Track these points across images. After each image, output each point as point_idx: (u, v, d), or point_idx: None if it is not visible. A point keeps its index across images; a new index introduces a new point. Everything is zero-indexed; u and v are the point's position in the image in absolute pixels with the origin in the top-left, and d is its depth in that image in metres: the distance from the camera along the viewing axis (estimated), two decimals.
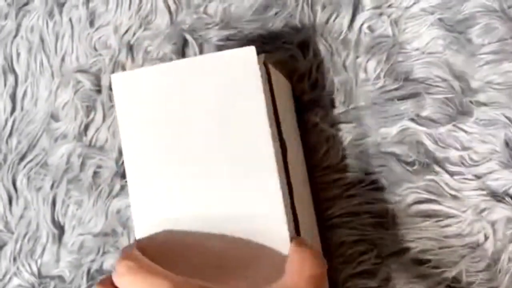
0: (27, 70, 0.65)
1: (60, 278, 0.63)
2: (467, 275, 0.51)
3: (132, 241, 0.61)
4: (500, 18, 0.52)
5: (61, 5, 0.64)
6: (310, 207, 0.54)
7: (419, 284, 0.52)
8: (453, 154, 0.52)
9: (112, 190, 0.61)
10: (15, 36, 0.66)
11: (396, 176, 0.53)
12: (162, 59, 0.60)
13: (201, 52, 0.59)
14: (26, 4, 0.66)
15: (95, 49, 0.63)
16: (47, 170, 0.64)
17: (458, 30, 0.53)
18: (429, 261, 0.52)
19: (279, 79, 0.50)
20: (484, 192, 0.51)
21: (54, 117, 0.64)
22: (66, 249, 0.63)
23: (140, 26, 0.62)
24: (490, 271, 0.51)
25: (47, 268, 0.63)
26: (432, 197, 0.52)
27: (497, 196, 0.51)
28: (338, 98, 0.55)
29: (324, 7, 0.56)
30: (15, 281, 0.63)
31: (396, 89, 0.54)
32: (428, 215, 0.52)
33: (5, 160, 0.65)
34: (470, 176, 0.52)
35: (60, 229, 0.63)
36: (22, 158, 0.65)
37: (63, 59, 0.64)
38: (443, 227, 0.52)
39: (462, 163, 0.52)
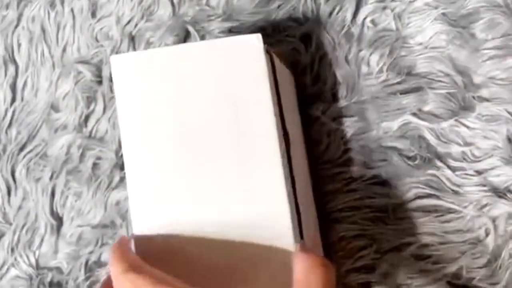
0: (28, 60, 0.66)
1: (58, 269, 0.63)
2: (467, 271, 0.52)
3: (130, 233, 0.61)
4: (504, 13, 0.52)
5: None
6: (311, 201, 0.54)
7: (419, 279, 0.52)
8: (455, 150, 0.52)
9: (112, 182, 0.62)
10: (16, 26, 0.66)
11: (397, 170, 0.53)
12: None
13: None
14: None
15: (97, 40, 0.63)
16: (47, 161, 0.64)
17: (462, 25, 0.53)
18: (429, 256, 0.52)
19: (282, 70, 0.50)
20: (486, 188, 0.51)
21: (54, 107, 0.64)
22: (65, 240, 0.63)
23: (142, 17, 0.62)
24: (491, 267, 0.51)
25: (45, 259, 0.63)
26: (433, 192, 0.52)
27: (498, 192, 0.51)
28: (340, 92, 0.55)
29: (327, 0, 0.56)
30: (13, 272, 0.63)
31: (398, 83, 0.54)
32: (429, 210, 0.53)
33: (4, 150, 0.65)
34: (471, 172, 0.52)
35: (59, 220, 0.63)
36: (21, 149, 0.65)
37: (64, 50, 0.64)
38: (443, 222, 0.52)
39: (464, 159, 0.52)
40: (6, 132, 0.65)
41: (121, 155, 0.62)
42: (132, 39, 0.62)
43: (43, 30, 0.65)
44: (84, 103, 0.63)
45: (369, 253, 0.54)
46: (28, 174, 0.65)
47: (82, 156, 0.63)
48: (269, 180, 0.41)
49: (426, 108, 0.53)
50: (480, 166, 0.52)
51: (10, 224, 0.64)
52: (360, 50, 0.55)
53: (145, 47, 0.62)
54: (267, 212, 0.41)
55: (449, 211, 0.52)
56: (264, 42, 0.43)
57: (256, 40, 0.42)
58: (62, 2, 0.65)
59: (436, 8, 0.53)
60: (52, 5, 0.65)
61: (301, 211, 0.45)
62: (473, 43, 0.52)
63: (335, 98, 0.56)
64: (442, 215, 0.52)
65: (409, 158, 0.53)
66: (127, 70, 0.44)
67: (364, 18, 0.55)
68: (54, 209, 0.64)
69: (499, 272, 0.51)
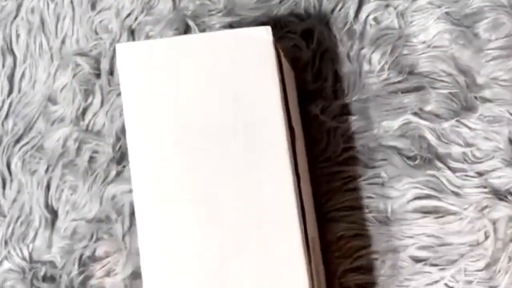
0: (26, 52, 0.65)
1: (51, 263, 0.62)
2: (466, 274, 0.51)
3: (125, 228, 0.60)
4: (508, 13, 0.52)
5: None
6: (311, 199, 0.54)
7: (416, 281, 0.52)
8: (456, 150, 0.52)
9: (108, 176, 0.61)
10: (15, 17, 0.66)
11: (397, 170, 0.53)
12: None
13: None
14: None
15: (96, 33, 0.63)
16: (43, 153, 0.64)
17: (465, 24, 0.53)
18: (427, 258, 0.52)
19: (286, 66, 0.50)
20: (486, 190, 0.51)
21: (51, 100, 0.64)
22: (59, 234, 0.63)
23: (142, 11, 0.62)
24: (489, 270, 0.51)
25: (38, 253, 0.63)
26: (433, 193, 0.52)
27: (499, 194, 0.51)
28: (341, 90, 0.55)
29: None
30: (6, 265, 0.63)
31: (400, 82, 0.54)
32: (428, 211, 0.52)
33: (0, 142, 0.65)
34: (472, 173, 0.52)
35: (54, 214, 0.63)
36: (17, 141, 0.64)
37: (63, 42, 0.64)
38: (443, 224, 0.52)
39: (465, 160, 0.52)
40: (3, 124, 0.65)
41: (118, 149, 0.61)
42: (131, 32, 0.62)
43: (42, 22, 0.65)
44: (81, 96, 0.63)
45: (367, 254, 0.54)
46: (23, 166, 0.64)
47: (78, 149, 0.63)
48: (277, 177, 0.41)
49: (428, 107, 0.53)
50: (481, 167, 0.52)
51: (4, 216, 0.64)
52: (362, 48, 0.55)
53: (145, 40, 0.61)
54: (274, 210, 0.41)
55: (449, 212, 0.52)
56: (274, 41, 0.43)
57: (265, 33, 0.42)
58: None
59: (439, 7, 0.53)
60: None
61: (306, 209, 0.45)
62: (476, 43, 0.52)
63: (335, 95, 0.55)
64: (441, 217, 0.52)
65: (409, 158, 0.53)
66: (132, 59, 0.43)
67: (367, 16, 0.55)
68: (49, 202, 0.63)
69: (498, 276, 0.51)
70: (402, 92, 0.53)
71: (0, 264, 0.64)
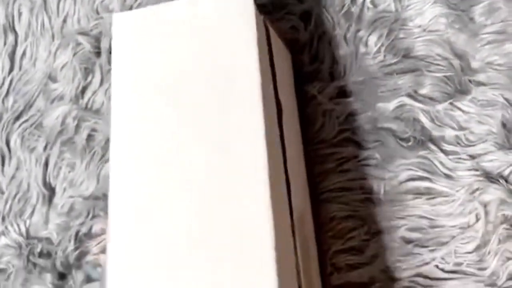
0: (28, 30, 0.67)
1: (48, 240, 0.64)
2: (456, 256, 0.52)
3: None
4: None
5: None
6: (303, 179, 0.55)
7: (407, 262, 0.53)
8: (449, 133, 0.53)
9: (105, 154, 0.62)
10: None
11: (390, 152, 0.54)
12: None
13: None
14: None
15: (97, 12, 0.64)
16: (42, 131, 0.65)
17: (462, 8, 0.54)
18: (418, 239, 0.53)
19: (279, 45, 0.51)
20: (478, 173, 0.52)
21: (52, 78, 0.65)
22: (56, 211, 0.64)
23: None
24: (479, 252, 0.52)
25: (35, 229, 0.64)
26: (426, 174, 0.53)
27: (491, 178, 0.52)
28: (338, 71, 0.56)
29: None
30: (3, 240, 0.64)
31: (395, 64, 0.54)
32: (420, 192, 0.53)
33: (0, 119, 0.66)
34: (465, 156, 0.53)
35: (51, 190, 0.64)
36: (17, 118, 0.66)
37: (64, 21, 0.66)
38: (434, 205, 0.53)
39: (458, 143, 0.53)
40: (3, 101, 0.67)
41: None
42: None
43: (44, 1, 0.66)
44: (81, 74, 0.64)
45: (359, 234, 0.55)
46: (22, 143, 0.66)
47: (77, 127, 0.64)
48: (250, 147, 0.41)
49: (422, 91, 0.54)
50: (474, 150, 0.52)
51: (3, 193, 0.65)
52: (358, 30, 0.56)
53: None
54: (246, 185, 0.41)
55: (441, 194, 0.53)
56: (264, 19, 0.44)
57: (248, 2, 0.43)
58: None
59: None
60: None
61: (294, 185, 0.46)
62: (472, 27, 0.53)
63: (332, 77, 0.56)
64: (433, 198, 0.53)
65: (403, 140, 0.54)
66: (126, 27, 0.45)
67: None
68: (47, 179, 0.64)
69: (488, 258, 0.51)
70: (397, 73, 0.54)
71: None
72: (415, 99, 0.54)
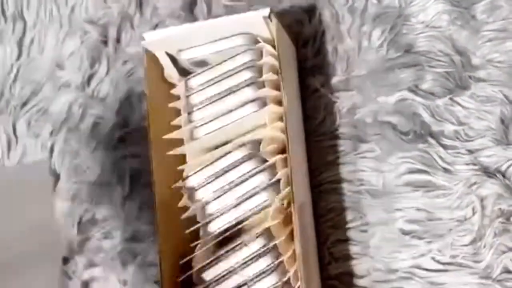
0: (36, 18, 0.68)
1: None
2: (452, 248, 0.54)
3: (125, 193, 0.63)
4: None
5: None
6: (305, 170, 0.56)
7: (404, 253, 0.55)
8: (449, 128, 0.55)
9: (110, 142, 0.64)
10: None
11: (390, 145, 0.56)
12: (170, 15, 0.62)
13: (209, 10, 0.61)
14: None
15: (105, 2, 0.66)
16: (48, 117, 0.67)
17: (464, 5, 0.55)
18: (415, 231, 0.54)
19: (284, 38, 0.52)
20: (476, 167, 0.54)
21: (59, 65, 0.67)
22: (60, 197, 0.65)
23: None
24: (475, 245, 0.53)
25: None
26: (425, 168, 0.55)
27: (488, 172, 0.53)
28: (340, 65, 0.58)
29: None
30: None
31: (397, 58, 0.56)
32: (418, 185, 0.55)
33: (7, 105, 0.68)
34: (463, 151, 0.54)
35: (56, 177, 0.66)
36: (24, 104, 0.67)
37: (72, 10, 0.67)
38: (432, 198, 0.54)
39: (457, 138, 0.54)
40: (10, 87, 0.68)
41: (122, 116, 0.64)
42: (139, 2, 0.64)
43: None
44: (88, 62, 0.66)
45: (357, 226, 0.56)
46: (28, 129, 0.67)
47: (82, 115, 0.65)
48: None
49: (423, 85, 0.55)
50: (472, 145, 0.54)
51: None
52: (362, 25, 0.57)
53: (152, 11, 0.64)
54: None
55: (439, 187, 0.54)
56: (270, 12, 0.47)
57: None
58: None
59: None
60: None
61: (296, 175, 0.47)
62: (473, 24, 0.55)
63: (335, 71, 0.58)
64: (431, 191, 0.54)
65: (402, 133, 0.55)
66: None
67: None
68: (52, 165, 0.66)
69: (483, 251, 0.53)
70: (398, 68, 0.56)
71: None
72: (416, 94, 0.55)
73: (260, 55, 0.51)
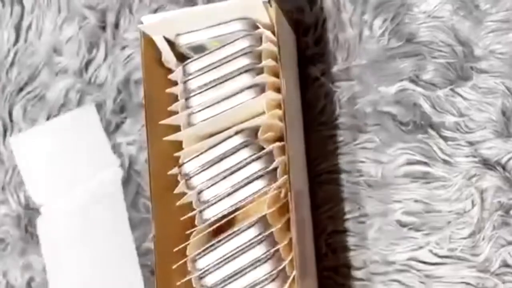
0: (34, 3, 0.68)
1: None
2: (450, 241, 0.54)
3: (123, 177, 0.63)
4: None
5: None
6: (303, 159, 0.56)
7: (402, 246, 0.55)
8: (449, 120, 0.54)
9: (109, 127, 0.64)
10: None
11: (389, 136, 0.56)
12: (170, 0, 0.62)
13: None
14: None
15: None
16: (44, 103, 0.66)
17: None
18: (413, 223, 0.54)
19: (283, 23, 0.52)
20: (476, 159, 0.54)
21: (56, 51, 0.67)
22: None
23: None
24: (474, 238, 0.53)
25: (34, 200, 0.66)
26: (424, 159, 0.55)
27: (488, 165, 0.53)
28: (341, 54, 0.58)
29: None
30: (2, 209, 0.66)
31: (399, 48, 0.56)
32: (417, 176, 0.55)
33: (3, 90, 0.68)
34: (463, 143, 0.54)
35: None
36: (21, 89, 0.67)
37: None
38: (431, 190, 0.54)
39: (457, 129, 0.54)
40: (7, 72, 0.68)
41: (119, 102, 0.64)
42: None
43: None
44: (86, 48, 0.65)
45: (355, 217, 0.56)
46: (25, 115, 0.67)
47: (80, 101, 0.65)
48: None
49: (424, 76, 0.55)
50: (473, 137, 0.54)
51: (3, 163, 0.67)
52: (364, 13, 0.57)
53: None
54: None
55: (438, 179, 0.54)
56: None
57: None
58: None
59: None
60: None
61: (292, 162, 0.47)
62: (477, 15, 0.54)
63: (335, 60, 0.58)
64: (430, 183, 0.54)
65: (402, 124, 0.55)
66: None
67: None
68: None
69: (482, 244, 0.53)
70: (399, 58, 0.55)
71: None
72: (417, 84, 0.55)
73: (259, 41, 0.50)
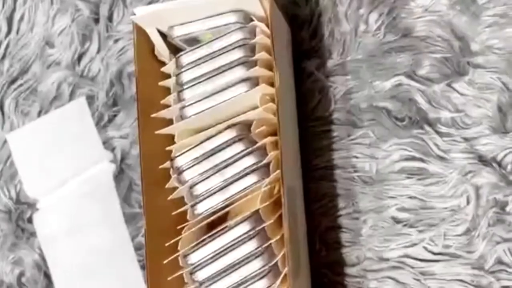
0: None
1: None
2: (445, 238, 0.53)
3: (117, 171, 0.63)
4: None
5: None
6: (297, 155, 0.56)
7: (396, 242, 0.54)
8: (445, 115, 0.54)
9: (100, 121, 0.64)
10: None
11: (384, 131, 0.55)
12: None
13: None
14: None
15: None
16: (36, 96, 0.66)
17: None
18: (407, 220, 0.54)
19: (278, 15, 0.52)
20: (472, 156, 0.53)
21: (49, 43, 0.67)
22: None
23: None
24: (468, 235, 0.53)
25: (25, 194, 0.65)
26: (419, 155, 0.54)
27: (484, 161, 0.53)
28: (337, 49, 0.57)
29: None
30: None
31: (395, 42, 0.55)
32: (412, 173, 0.55)
33: None
34: (459, 139, 0.54)
35: None
36: (12, 82, 0.67)
37: None
38: (426, 186, 0.54)
39: (453, 125, 0.54)
40: None
41: (111, 95, 0.64)
42: None
43: None
44: (79, 41, 0.65)
45: (349, 213, 0.56)
46: (16, 108, 0.67)
47: (72, 94, 0.65)
48: None
49: (420, 71, 0.55)
50: (469, 133, 0.54)
51: None
52: (359, 7, 0.57)
53: None
54: None
55: (433, 175, 0.54)
56: None
57: None
58: None
59: None
60: None
61: (285, 158, 0.47)
62: (474, 9, 0.54)
63: (330, 54, 0.58)
64: (425, 179, 0.54)
65: (398, 119, 0.55)
66: None
67: None
68: None
69: (477, 241, 0.53)
70: (395, 52, 0.55)
71: None
72: (413, 79, 0.55)
73: (254, 34, 0.50)
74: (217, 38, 0.50)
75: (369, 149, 0.56)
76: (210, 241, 0.48)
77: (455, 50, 0.55)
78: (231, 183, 0.49)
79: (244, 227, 0.48)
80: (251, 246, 0.47)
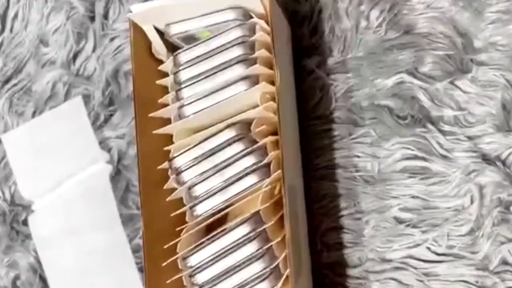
0: None
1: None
2: (448, 238, 0.53)
3: (113, 174, 0.62)
4: None
5: None
6: (297, 154, 0.56)
7: (398, 243, 0.54)
8: (448, 114, 0.54)
9: (96, 121, 0.63)
10: None
11: (386, 130, 0.55)
12: None
13: None
14: None
15: None
16: (31, 96, 0.66)
17: None
18: (410, 220, 0.54)
19: (278, 12, 0.51)
20: (475, 154, 0.53)
21: (43, 42, 0.66)
22: None
23: None
24: (472, 235, 0.53)
25: (20, 196, 0.65)
26: (422, 154, 0.54)
27: (488, 160, 0.53)
28: (337, 46, 0.57)
29: None
30: None
31: (396, 40, 0.55)
32: (415, 172, 0.54)
33: None
34: (462, 137, 0.54)
35: None
36: (6, 81, 0.66)
37: None
38: (429, 185, 0.54)
39: (456, 123, 0.54)
40: None
41: (107, 95, 0.63)
42: None
43: None
44: (74, 39, 0.64)
45: (350, 213, 0.56)
46: (10, 108, 0.66)
47: (67, 93, 0.65)
48: None
49: (423, 68, 0.55)
50: (472, 132, 0.53)
51: None
52: (360, 4, 0.56)
53: None
54: None
55: (436, 175, 0.54)
56: None
57: None
58: None
59: None
60: None
61: (286, 157, 0.47)
62: (476, 6, 0.54)
63: (331, 52, 0.57)
64: (428, 178, 0.54)
65: (400, 117, 0.55)
66: None
67: None
68: None
69: (481, 241, 0.52)
70: (397, 49, 0.55)
71: None
72: (415, 77, 0.54)
73: (253, 31, 0.50)
74: (215, 36, 0.50)
75: (370, 148, 0.55)
76: (209, 243, 0.48)
77: (458, 47, 0.54)
78: (231, 183, 0.48)
79: (245, 229, 0.47)
80: (251, 248, 0.47)
